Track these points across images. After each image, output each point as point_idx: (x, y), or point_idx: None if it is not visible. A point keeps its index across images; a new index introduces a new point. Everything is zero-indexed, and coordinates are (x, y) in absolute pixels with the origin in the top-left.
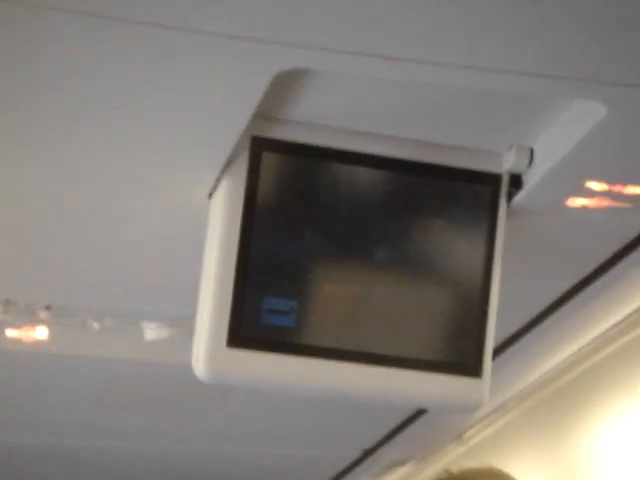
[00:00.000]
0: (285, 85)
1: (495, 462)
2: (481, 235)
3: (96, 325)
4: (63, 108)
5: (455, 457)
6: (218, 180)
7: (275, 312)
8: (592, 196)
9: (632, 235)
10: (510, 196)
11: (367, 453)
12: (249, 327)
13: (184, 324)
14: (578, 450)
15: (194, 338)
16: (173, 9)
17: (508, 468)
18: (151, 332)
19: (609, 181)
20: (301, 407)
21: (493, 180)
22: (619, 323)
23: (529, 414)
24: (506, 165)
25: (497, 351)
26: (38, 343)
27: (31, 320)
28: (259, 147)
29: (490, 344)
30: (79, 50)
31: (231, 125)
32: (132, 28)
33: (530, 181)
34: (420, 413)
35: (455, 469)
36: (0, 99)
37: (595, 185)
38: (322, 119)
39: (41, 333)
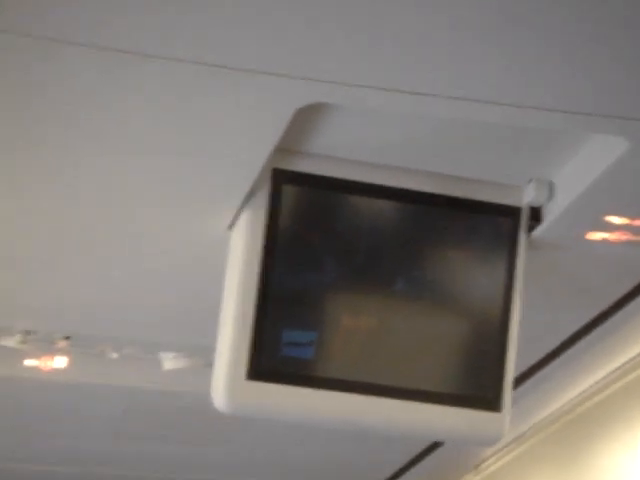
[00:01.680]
0: (306, 119)
1: None
2: (501, 267)
3: (115, 355)
4: (84, 141)
5: None
6: (239, 212)
7: (295, 344)
8: (612, 230)
9: None
10: (530, 229)
11: None
12: (269, 359)
13: (202, 354)
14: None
15: (213, 369)
16: (196, 45)
17: None
18: (169, 362)
19: (629, 215)
20: (318, 439)
21: (513, 213)
22: (637, 355)
23: (546, 444)
24: (526, 198)
25: (516, 383)
26: (57, 372)
27: (50, 350)
28: (280, 180)
29: (510, 377)
30: (100, 84)
31: (252, 158)
32: (153, 63)
33: (550, 214)
34: (436, 445)
35: None
36: (18, 132)
37: (615, 219)
38: (342, 152)
39: (60, 362)
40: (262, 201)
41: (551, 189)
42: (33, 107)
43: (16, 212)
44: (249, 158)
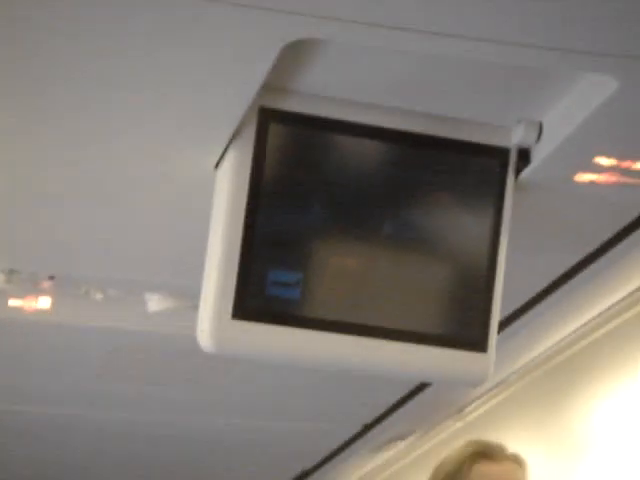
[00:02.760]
0: (293, 56)
1: (493, 437)
2: (488, 209)
3: (99, 296)
4: (76, 82)
5: (454, 432)
6: (225, 151)
7: (281, 285)
8: (601, 172)
9: None
10: (518, 171)
11: (367, 428)
12: (254, 299)
13: (187, 295)
14: (573, 425)
15: (199, 310)
16: None
17: (504, 442)
18: (154, 303)
19: (618, 157)
20: (302, 381)
21: (501, 154)
22: (622, 300)
23: (529, 389)
24: (514, 139)
25: (501, 326)
26: (41, 313)
27: (34, 290)
28: (267, 118)
29: (496, 319)
30: (87, 18)
31: (239, 96)
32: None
33: (538, 156)
34: (420, 388)
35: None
36: (19, 81)
37: (604, 160)
38: (330, 91)
39: (44, 303)
40: (248, 140)
41: (540, 130)
42: (24, 57)
43: (1, 157)
44: (235, 95)
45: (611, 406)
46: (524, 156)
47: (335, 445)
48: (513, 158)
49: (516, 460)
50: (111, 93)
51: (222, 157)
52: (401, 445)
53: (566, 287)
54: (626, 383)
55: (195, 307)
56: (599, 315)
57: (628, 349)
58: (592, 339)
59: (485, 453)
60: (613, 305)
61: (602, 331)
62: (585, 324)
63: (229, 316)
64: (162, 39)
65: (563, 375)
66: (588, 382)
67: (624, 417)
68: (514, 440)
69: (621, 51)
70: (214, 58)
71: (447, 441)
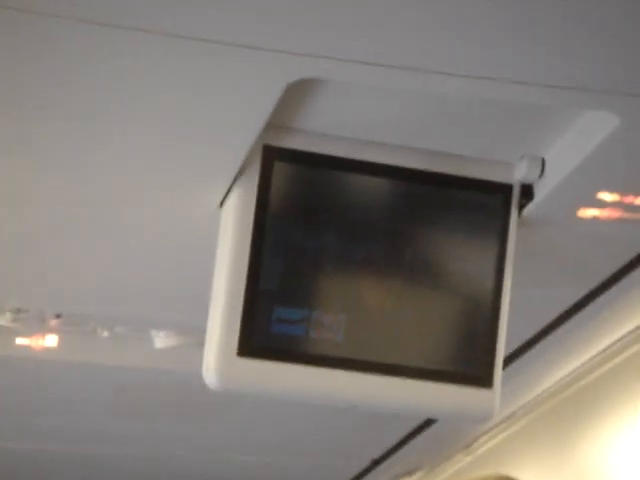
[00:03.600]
0: (297, 94)
1: (502, 471)
2: (492, 245)
3: (106, 333)
4: (79, 118)
5: (463, 466)
6: (230, 189)
7: (286, 321)
8: (603, 207)
9: None
10: (521, 206)
11: (376, 463)
12: (260, 336)
13: (193, 332)
14: (585, 460)
15: (205, 347)
16: (186, 19)
17: (517, 476)
18: (160, 340)
19: (621, 192)
20: (310, 417)
21: (504, 190)
22: (628, 334)
23: (537, 424)
24: (517, 175)
25: (507, 361)
26: (48, 351)
27: (41, 328)
28: (271, 156)
29: (501, 354)
30: (94, 60)
31: (243, 134)
32: (146, 38)
33: (541, 191)
34: (428, 423)
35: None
36: (16, 109)
37: (607, 196)
38: (334, 129)
39: (51, 341)
40: (253, 178)
41: (542, 166)
42: (29, 85)
43: (7, 194)
44: (240, 134)
45: (619, 440)
46: (527, 192)
47: None
48: (516, 194)
49: None
50: (114, 131)
51: (227, 195)
52: None
53: (571, 322)
54: (634, 417)
55: (201, 344)
56: (605, 349)
57: (635, 383)
58: (598, 373)
59: None
60: (620, 339)
61: (608, 365)
62: (592, 358)
63: (234, 353)
64: (166, 79)
65: (572, 409)
66: (598, 416)
67: (633, 452)
68: (525, 474)
69: (622, 88)
70: (217, 98)
71: (456, 475)
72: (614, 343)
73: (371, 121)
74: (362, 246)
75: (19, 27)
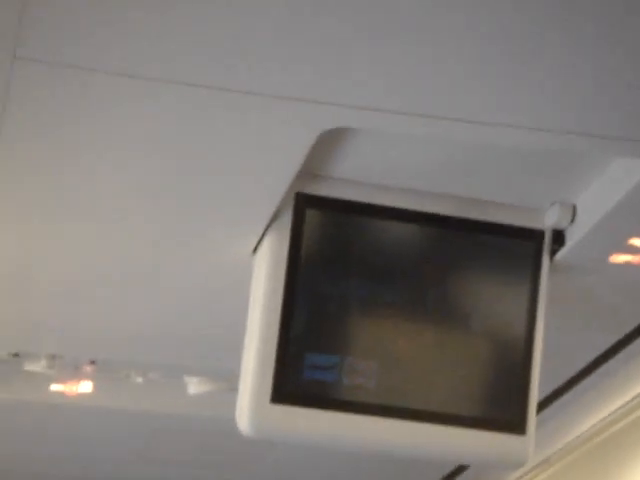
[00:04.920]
0: (329, 143)
1: None
2: (524, 290)
3: (139, 379)
4: (105, 169)
5: None
6: (263, 236)
7: (318, 368)
8: (635, 253)
9: None
10: (553, 252)
11: None
12: (292, 383)
13: (226, 378)
14: None
15: (238, 393)
16: (219, 70)
17: None
18: (194, 386)
19: None
20: (343, 463)
21: (536, 236)
22: None
23: (571, 470)
24: (548, 221)
25: (540, 406)
26: (82, 397)
27: (76, 374)
28: (303, 204)
29: (534, 400)
30: (126, 112)
31: (276, 182)
32: (181, 89)
33: (573, 237)
34: (461, 469)
35: None
36: (63, 161)
37: (638, 242)
38: (365, 176)
39: (85, 387)
40: (285, 225)
41: (574, 212)
42: (59, 137)
43: (43, 242)
44: (272, 182)
45: None
46: (559, 238)
47: None
48: (548, 240)
49: None
50: (149, 180)
51: (260, 242)
52: None
53: (604, 367)
54: None
55: (235, 389)
56: (638, 395)
57: None
58: (633, 419)
59: None
60: None
61: None
62: (625, 404)
63: (268, 400)
64: (202, 129)
65: (606, 455)
66: (631, 462)
67: None
68: None
69: None
70: (251, 147)
71: None
72: None
73: (402, 168)
74: (393, 292)
75: (42, 77)
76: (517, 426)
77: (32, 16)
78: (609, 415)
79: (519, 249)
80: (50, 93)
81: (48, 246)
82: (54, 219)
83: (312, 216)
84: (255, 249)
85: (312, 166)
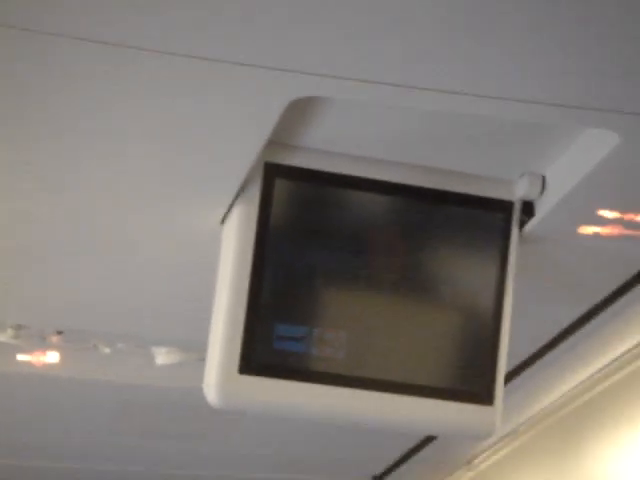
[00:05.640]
0: (298, 112)
1: None
2: (493, 262)
3: (107, 350)
4: (79, 135)
5: None
6: (231, 206)
7: (287, 338)
8: (604, 224)
9: None
10: (522, 223)
11: (376, 479)
12: (261, 353)
13: (195, 349)
14: (585, 476)
15: (206, 364)
16: (192, 39)
17: None
18: (162, 357)
19: (621, 209)
20: (310, 434)
21: (505, 207)
22: (629, 350)
23: (538, 440)
24: (518, 193)
25: (508, 378)
26: (49, 367)
27: (42, 345)
28: (272, 173)
29: (502, 372)
30: (95, 78)
31: (245, 152)
32: (148, 57)
33: (542, 209)
34: (429, 440)
35: None
36: (17, 127)
37: (607, 213)
38: (335, 146)
39: (52, 357)
40: (254, 195)
41: (543, 183)
42: (31, 106)
43: (8, 211)
44: (241, 152)
45: (621, 456)
46: (528, 209)
47: None
48: (517, 211)
49: None
50: (115, 149)
51: (228, 212)
52: None
53: (572, 338)
54: (635, 433)
55: (202, 360)
56: (605, 366)
57: (636, 399)
58: (599, 390)
59: None
60: (620, 355)
61: (609, 381)
62: (592, 375)
63: (236, 371)
64: (169, 97)
65: (573, 425)
66: (597, 431)
67: (634, 467)
68: None
69: (622, 107)
70: (220, 115)
71: None
72: (614, 360)
73: (371, 138)
74: (363, 263)
75: (21, 45)
76: (485, 397)
77: None
78: (576, 386)
79: (488, 220)
80: (16, 58)
81: (12, 215)
82: (19, 187)
83: (281, 186)
84: (223, 220)
85: (282, 136)
